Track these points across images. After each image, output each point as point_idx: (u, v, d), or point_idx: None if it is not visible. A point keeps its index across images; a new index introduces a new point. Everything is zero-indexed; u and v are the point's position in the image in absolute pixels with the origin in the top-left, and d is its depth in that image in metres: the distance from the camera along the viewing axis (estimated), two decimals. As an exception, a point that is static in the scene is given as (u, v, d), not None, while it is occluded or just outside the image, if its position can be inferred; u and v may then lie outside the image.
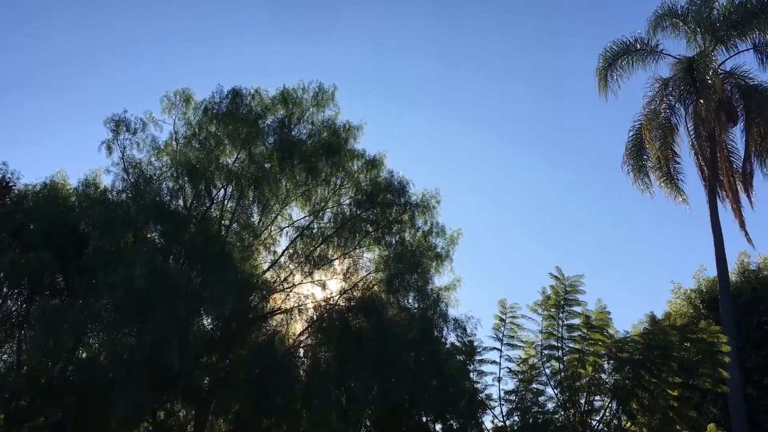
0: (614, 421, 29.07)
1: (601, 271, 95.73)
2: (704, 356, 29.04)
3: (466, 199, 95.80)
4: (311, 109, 28.28)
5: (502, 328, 31.47)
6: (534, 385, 30.83)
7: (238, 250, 23.45)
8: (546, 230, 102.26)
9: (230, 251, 22.99)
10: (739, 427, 33.42)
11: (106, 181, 25.88)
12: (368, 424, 26.86)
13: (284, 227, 27.75)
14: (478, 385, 32.18)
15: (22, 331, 25.10)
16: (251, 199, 24.45)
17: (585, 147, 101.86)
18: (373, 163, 28.39)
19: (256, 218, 25.61)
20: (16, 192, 26.82)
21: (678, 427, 28.43)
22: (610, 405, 29.17)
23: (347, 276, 27.18)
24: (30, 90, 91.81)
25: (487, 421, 33.09)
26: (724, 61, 40.12)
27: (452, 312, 29.72)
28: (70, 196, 26.61)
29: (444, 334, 28.54)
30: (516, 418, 31.31)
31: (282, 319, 24.77)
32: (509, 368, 31.35)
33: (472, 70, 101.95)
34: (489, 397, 31.72)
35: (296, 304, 25.10)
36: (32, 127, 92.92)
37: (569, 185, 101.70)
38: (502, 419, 31.81)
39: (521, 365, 31.33)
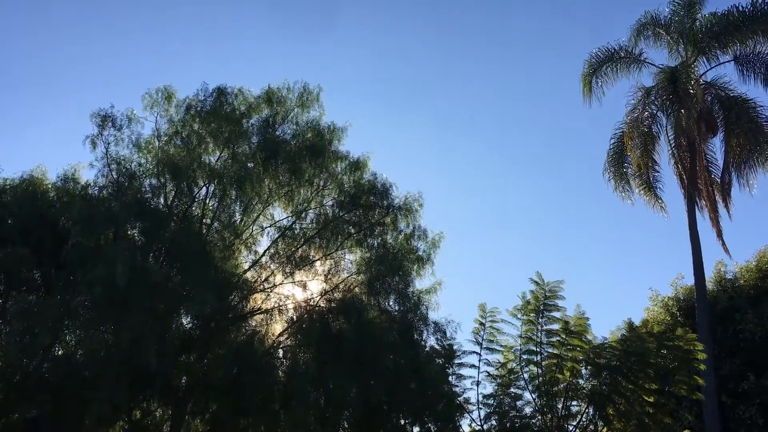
0: (590, 426, 29.11)
1: (581, 276, 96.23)
2: (680, 363, 29.18)
3: (451, 203, 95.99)
4: (296, 110, 28.10)
5: (482, 332, 31.46)
6: (512, 390, 30.85)
7: (218, 249, 23.17)
8: (528, 235, 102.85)
9: (211, 250, 22.70)
10: (713, 433, 33.70)
11: (87, 176, 25.60)
12: (346, 426, 26.71)
13: (266, 227, 27.56)
14: (457, 389, 32.17)
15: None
16: (233, 198, 24.17)
17: (570, 153, 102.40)
18: (357, 165, 28.22)
19: (237, 217, 25.36)
20: None
21: (652, 433, 28.56)
22: (586, 410, 29.23)
23: (328, 277, 26.98)
24: (9, 83, 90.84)
25: (465, 425, 33.20)
26: (706, 71, 40.42)
27: (432, 315, 29.69)
28: (48, 191, 26.20)
29: (424, 336, 28.42)
30: (494, 422, 31.33)
31: (262, 319, 24.48)
32: (488, 372, 31.37)
33: (464, 73, 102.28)
34: (467, 400, 31.74)
35: (276, 305, 24.87)
36: (11, 122, 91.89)
37: (553, 190, 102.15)
38: (479, 423, 31.83)
39: (500, 369, 31.32)
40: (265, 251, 27.04)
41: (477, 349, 31.41)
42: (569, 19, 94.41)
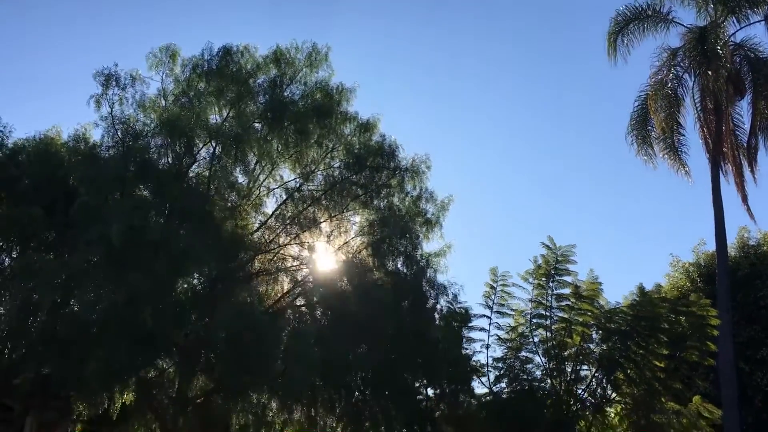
0: (598, 390, 28.92)
1: (601, 241, 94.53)
2: (693, 329, 28.77)
3: (463, 165, 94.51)
4: (304, 70, 27.56)
5: (493, 296, 31.34)
6: (523, 354, 30.73)
7: (221, 209, 23.10)
8: (545, 200, 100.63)
9: (213, 210, 22.64)
10: (729, 401, 33.05)
11: (95, 135, 25.52)
12: (351, 386, 26.77)
13: (274, 188, 27.43)
14: (467, 352, 32.19)
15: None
16: (234, 157, 23.92)
17: (590, 116, 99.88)
18: (366, 127, 27.80)
19: (242, 178, 25.29)
20: (9, 146, 26.73)
21: (663, 398, 28.24)
22: (596, 375, 29.01)
23: (331, 239, 26.88)
24: (26, 45, 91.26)
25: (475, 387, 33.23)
26: (735, 32, 39.03)
27: (441, 278, 29.46)
28: (61, 151, 26.35)
29: (431, 299, 28.23)
30: (503, 385, 31.29)
31: (267, 279, 24.43)
32: (498, 336, 31.26)
33: (478, 29, 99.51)
34: (477, 363, 31.68)
35: (282, 266, 24.79)
36: (29, 83, 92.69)
37: (572, 154, 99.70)
38: (489, 386, 31.86)
39: (510, 333, 31.18)
40: (273, 212, 26.93)
41: (487, 312, 31.45)
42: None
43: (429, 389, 37.56)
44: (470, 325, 31.55)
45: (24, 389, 22.84)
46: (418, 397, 37.17)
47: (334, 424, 32.47)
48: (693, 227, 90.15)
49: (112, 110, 23.92)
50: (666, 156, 40.71)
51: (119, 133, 23.78)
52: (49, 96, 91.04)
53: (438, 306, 36.37)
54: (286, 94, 26.57)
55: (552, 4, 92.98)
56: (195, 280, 23.70)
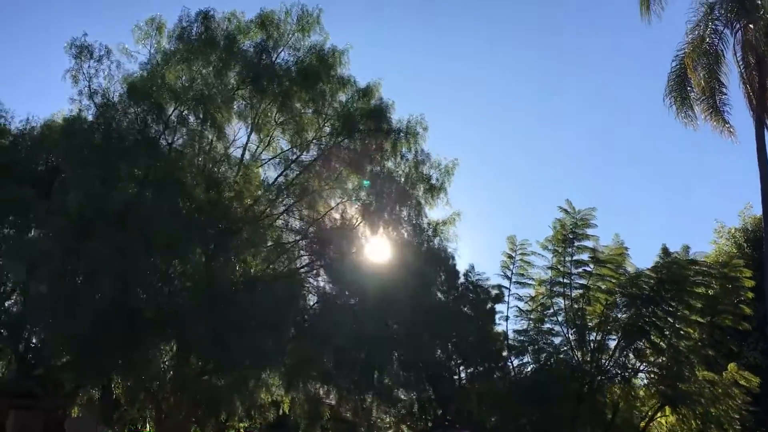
0: (622, 360, 26.66)
1: (644, 209, 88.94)
2: (725, 292, 26.32)
3: (486, 128, 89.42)
4: (296, 35, 25.99)
5: (511, 266, 29.46)
6: (546, 325, 28.76)
7: (192, 175, 21.91)
8: (584, 168, 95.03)
9: (183, 177, 21.47)
10: (778, 370, 30.52)
11: (73, 110, 24.45)
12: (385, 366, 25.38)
13: (265, 158, 25.99)
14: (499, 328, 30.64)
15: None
16: (202, 120, 22.56)
17: (625, 76, 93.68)
18: (365, 92, 25.82)
19: (213, 141, 23.83)
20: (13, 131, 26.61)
21: (696, 367, 25.89)
22: (620, 344, 26.78)
23: (313, 205, 25.34)
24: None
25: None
26: (777, -20, 36.06)
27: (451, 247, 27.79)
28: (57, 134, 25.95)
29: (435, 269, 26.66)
30: (528, 359, 29.39)
31: (244, 248, 23.03)
32: (518, 307, 29.39)
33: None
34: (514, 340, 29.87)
35: (263, 234, 23.41)
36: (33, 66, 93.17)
37: (607, 118, 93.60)
38: (510, 360, 30.08)
39: (530, 303, 29.25)
40: (274, 182, 25.39)
41: (506, 283, 29.63)
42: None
43: (462, 368, 36.23)
44: (485, 297, 29.89)
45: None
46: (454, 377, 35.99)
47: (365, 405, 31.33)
48: (739, 191, 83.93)
49: (90, 84, 23.03)
50: (708, 117, 38.02)
51: (94, 106, 22.86)
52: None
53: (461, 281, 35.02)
54: (274, 58, 25.26)
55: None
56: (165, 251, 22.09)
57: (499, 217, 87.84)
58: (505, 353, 31.10)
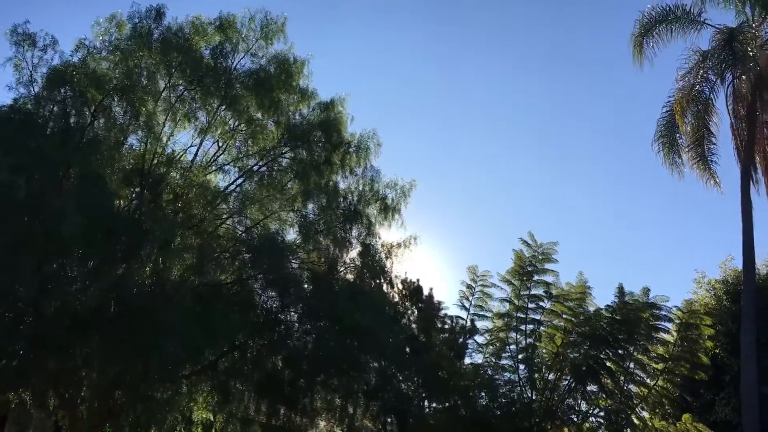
0: (569, 400, 25.28)
1: (624, 255, 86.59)
2: (684, 340, 25.03)
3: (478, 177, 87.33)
4: (259, 41, 24.81)
5: (470, 297, 28.27)
6: (503, 361, 27.47)
7: (114, 171, 20.89)
8: (567, 211, 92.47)
9: (102, 171, 20.18)
10: (751, 428, 28.91)
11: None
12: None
13: (205, 159, 24.70)
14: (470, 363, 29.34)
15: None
16: (125, 111, 21.65)
17: (614, 122, 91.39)
18: (328, 106, 25.09)
19: (150, 140, 22.82)
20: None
21: (650, 415, 24.53)
22: (569, 385, 25.43)
23: (252, 214, 24.15)
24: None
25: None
26: (775, 33, 35.13)
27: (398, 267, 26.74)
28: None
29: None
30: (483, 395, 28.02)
31: (173, 255, 21.84)
32: (475, 341, 28.16)
33: (490, 25, 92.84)
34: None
35: (191, 240, 22.25)
36: None
37: (593, 162, 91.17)
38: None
39: (486, 336, 28.00)
40: (225, 188, 24.66)
41: (463, 314, 28.41)
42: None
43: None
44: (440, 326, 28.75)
45: None
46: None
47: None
48: (722, 241, 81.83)
49: (32, 73, 22.27)
50: (695, 165, 36.95)
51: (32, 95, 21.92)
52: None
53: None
54: (234, 63, 24.41)
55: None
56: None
57: (462, 245, 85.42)
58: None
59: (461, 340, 32.67)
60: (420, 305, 32.00)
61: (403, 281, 30.27)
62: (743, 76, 33.36)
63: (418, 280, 30.74)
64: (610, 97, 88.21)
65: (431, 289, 32.17)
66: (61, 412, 23.26)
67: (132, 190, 21.63)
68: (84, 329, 18.33)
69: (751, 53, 32.65)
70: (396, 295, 29.67)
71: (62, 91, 20.45)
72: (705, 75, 35.83)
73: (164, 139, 23.25)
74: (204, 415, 25.00)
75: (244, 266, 22.68)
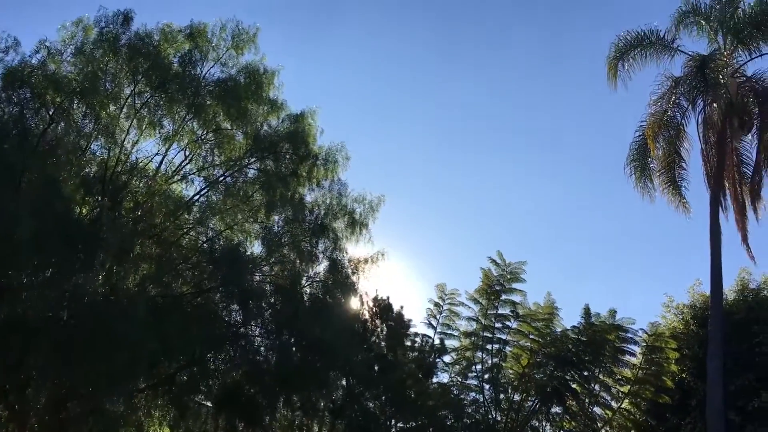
0: (533, 421, 24.97)
1: (592, 277, 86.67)
2: (649, 363, 24.84)
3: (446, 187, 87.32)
4: (229, 51, 24.50)
5: (438, 315, 27.96)
6: (469, 381, 27.14)
7: (71, 176, 20.24)
8: (529, 228, 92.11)
9: (58, 176, 19.54)
10: (717, 454, 28.74)
11: None
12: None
13: (169, 167, 24.05)
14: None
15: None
16: (84, 114, 21.09)
17: (587, 143, 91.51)
18: (298, 117, 24.80)
19: (111, 146, 22.23)
20: None
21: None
22: (534, 406, 25.13)
23: (214, 225, 23.62)
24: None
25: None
26: (745, 62, 35.26)
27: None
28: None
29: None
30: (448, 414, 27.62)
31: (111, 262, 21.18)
32: (442, 360, 27.83)
33: (464, 44, 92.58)
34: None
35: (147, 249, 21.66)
36: None
37: (564, 183, 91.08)
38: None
39: (453, 354, 27.68)
40: (191, 198, 24.02)
41: (430, 332, 28.10)
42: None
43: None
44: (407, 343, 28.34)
45: None
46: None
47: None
48: (690, 266, 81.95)
49: None
50: (666, 190, 36.99)
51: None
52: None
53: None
54: (203, 72, 23.97)
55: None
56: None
57: (430, 262, 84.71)
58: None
59: (430, 359, 32.49)
60: (390, 323, 31.71)
61: (374, 299, 29.94)
62: (714, 104, 33.52)
63: (388, 298, 30.40)
64: (583, 117, 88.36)
65: (401, 306, 31.83)
66: (11, 424, 22.36)
67: (93, 197, 20.96)
68: (35, 338, 17.70)
69: (722, 80, 32.74)
70: (366, 312, 29.36)
71: (20, 92, 19.85)
72: (677, 101, 35.89)
73: (128, 146, 22.67)
74: (160, 431, 24.37)
75: (204, 278, 22.13)
